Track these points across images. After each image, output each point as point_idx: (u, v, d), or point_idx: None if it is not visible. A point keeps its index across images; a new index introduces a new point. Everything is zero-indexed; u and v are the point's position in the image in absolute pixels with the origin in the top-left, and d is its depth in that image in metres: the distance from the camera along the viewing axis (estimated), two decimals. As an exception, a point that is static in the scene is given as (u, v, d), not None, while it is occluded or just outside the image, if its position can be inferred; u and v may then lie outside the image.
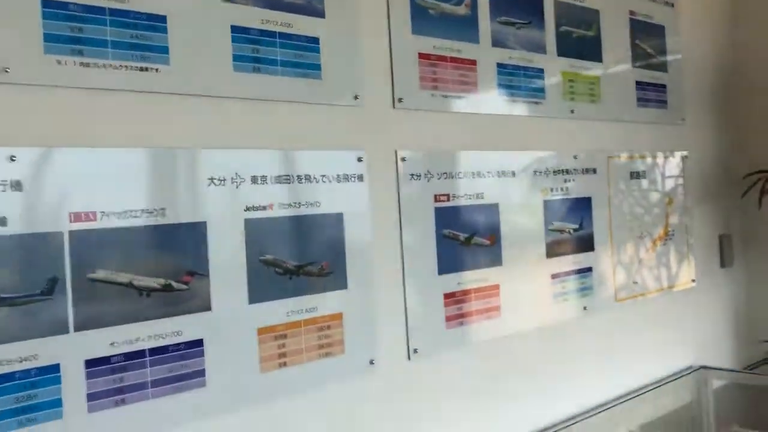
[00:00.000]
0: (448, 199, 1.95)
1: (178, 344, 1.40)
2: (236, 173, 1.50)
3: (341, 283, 1.69)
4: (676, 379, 2.68)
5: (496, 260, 2.07)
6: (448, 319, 1.93)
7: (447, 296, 1.94)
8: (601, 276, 2.41)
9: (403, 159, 1.85)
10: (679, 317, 2.77)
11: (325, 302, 1.65)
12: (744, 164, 3.03)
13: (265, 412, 1.54)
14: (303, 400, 1.62)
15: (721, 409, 2.76)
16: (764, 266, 3.10)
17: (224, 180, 1.48)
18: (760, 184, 2.89)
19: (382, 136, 1.81)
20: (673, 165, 2.77)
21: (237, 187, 1.50)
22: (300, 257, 1.61)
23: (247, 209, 1.52)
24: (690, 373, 2.75)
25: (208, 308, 1.45)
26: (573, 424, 2.24)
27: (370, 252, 1.75)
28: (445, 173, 1.95)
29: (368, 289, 1.74)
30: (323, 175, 1.65)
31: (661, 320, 2.69)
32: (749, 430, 2.58)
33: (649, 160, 2.65)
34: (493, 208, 2.07)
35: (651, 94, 2.68)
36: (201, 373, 1.43)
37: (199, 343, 1.43)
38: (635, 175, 2.59)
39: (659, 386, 2.60)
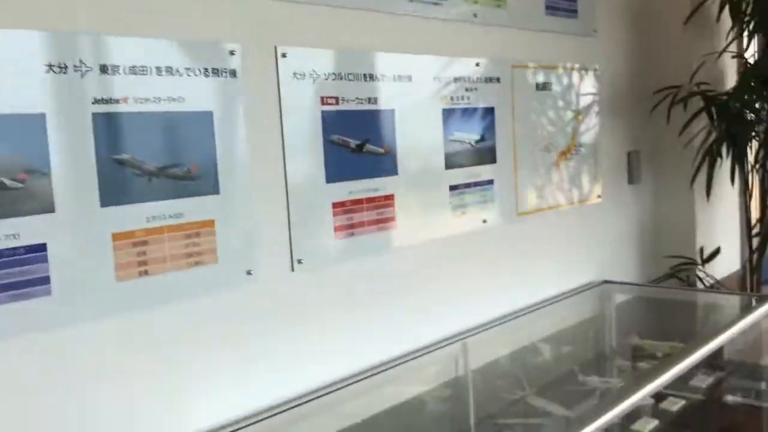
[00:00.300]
0: (337, 103, 1.83)
1: (15, 248, 1.27)
2: (80, 60, 1.34)
3: (212, 188, 1.57)
4: (579, 293, 2.69)
5: (390, 170, 1.98)
6: (338, 229, 1.84)
7: (336, 206, 1.84)
8: (503, 189, 2.36)
9: (284, 55, 1.71)
10: (584, 233, 2.77)
11: (194, 208, 1.53)
12: (655, 80, 3.00)
13: (124, 323, 1.43)
14: (172, 311, 1.51)
15: (623, 322, 2.80)
16: (671, 183, 3.12)
17: (65, 67, 1.32)
18: (669, 99, 2.87)
19: (258, 28, 1.66)
20: (582, 78, 2.71)
21: (82, 76, 1.34)
22: (163, 158, 1.47)
23: (96, 102, 1.37)
24: (593, 287, 2.76)
25: (50, 210, 1.31)
26: (470, 336, 2.21)
27: (246, 155, 1.63)
28: (334, 74, 1.82)
29: (244, 196, 1.63)
30: (187, 68, 1.51)
31: (566, 235, 2.67)
32: (648, 340, 2.62)
33: (557, 71, 2.58)
34: (388, 115, 1.97)
35: (561, 3, 2.58)
36: (45, 280, 1.31)
37: (41, 247, 1.30)
38: (542, 87, 2.51)
39: (562, 300, 2.60)
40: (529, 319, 2.44)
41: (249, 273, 1.65)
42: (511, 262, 2.43)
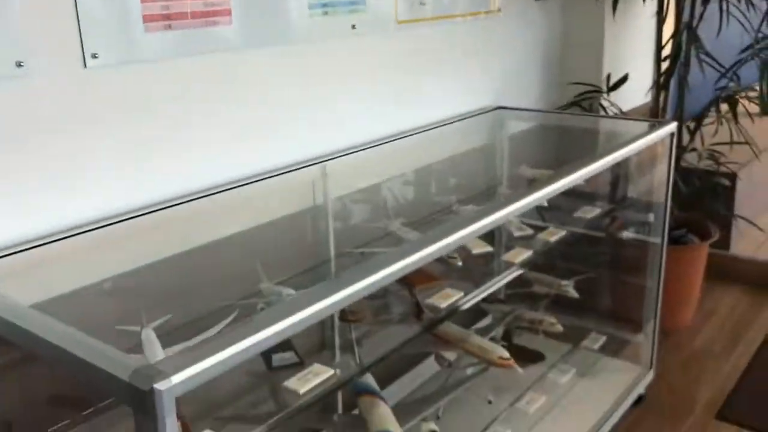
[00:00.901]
0: None
1: None
2: None
3: (-50, -53, 1.19)
4: (468, 118, 2.44)
5: (223, -51, 1.61)
6: (149, 19, 1.49)
7: (146, -12, 1.48)
8: (378, -11, 2.01)
9: None
10: (480, 50, 2.47)
11: None
12: None
13: None
14: None
15: (515, 150, 2.59)
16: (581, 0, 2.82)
17: None
18: None
19: None
20: None
21: None
22: None
23: None
24: (486, 113, 2.51)
25: None
26: (334, 159, 1.95)
27: None
28: None
29: (3, -38, 1.25)
30: None
31: (458, 52, 2.37)
32: (539, 170, 2.42)
33: None
34: None
35: None
36: None
37: None
38: None
39: (449, 124, 2.35)
40: (408, 145, 2.19)
41: (20, 65, 1.30)
42: (390, 78, 2.13)
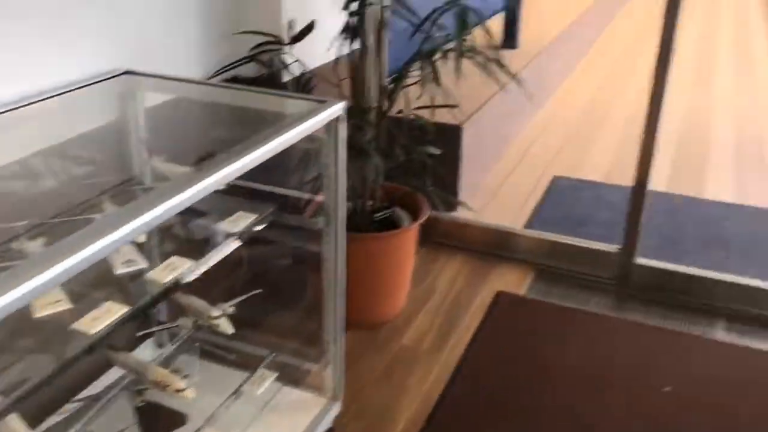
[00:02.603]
0: None
1: None
2: None
3: None
4: (81, 88, 1.73)
5: None
6: None
7: None
8: None
9: None
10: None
11: None
12: None
13: None
14: None
15: (146, 133, 1.92)
16: None
17: None
18: None
19: None
20: None
21: None
22: None
23: None
24: (107, 79, 1.81)
25: None
26: None
27: None
28: None
29: None
30: None
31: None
32: (172, 165, 1.80)
33: None
34: None
35: None
36: None
37: None
38: None
39: (56, 97, 1.64)
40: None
41: None
42: None
